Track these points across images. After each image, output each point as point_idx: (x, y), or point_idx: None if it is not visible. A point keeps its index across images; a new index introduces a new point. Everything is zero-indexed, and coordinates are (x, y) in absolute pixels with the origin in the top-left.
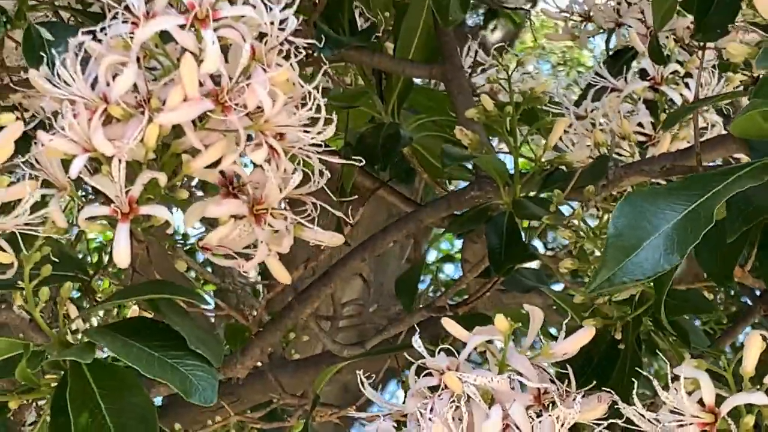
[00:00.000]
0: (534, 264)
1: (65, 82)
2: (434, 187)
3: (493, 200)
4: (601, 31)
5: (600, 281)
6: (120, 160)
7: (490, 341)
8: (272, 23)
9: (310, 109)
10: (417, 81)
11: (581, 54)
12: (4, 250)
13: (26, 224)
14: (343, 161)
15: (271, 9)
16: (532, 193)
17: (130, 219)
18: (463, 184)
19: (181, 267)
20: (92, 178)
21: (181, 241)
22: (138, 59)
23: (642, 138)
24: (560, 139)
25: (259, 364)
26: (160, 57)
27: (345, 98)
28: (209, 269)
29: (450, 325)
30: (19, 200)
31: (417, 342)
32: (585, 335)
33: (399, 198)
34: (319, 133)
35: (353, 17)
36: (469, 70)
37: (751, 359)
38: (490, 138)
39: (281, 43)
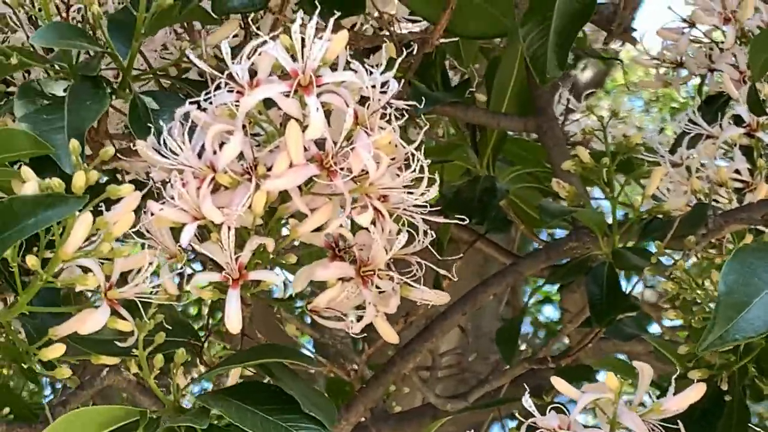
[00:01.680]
0: None
1: (173, 151)
2: (531, 238)
3: (591, 251)
4: (694, 76)
5: (713, 339)
6: (229, 228)
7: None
8: (374, 86)
9: (414, 170)
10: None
11: (673, 91)
12: (124, 319)
13: (140, 292)
14: (446, 221)
15: (371, 73)
16: (630, 243)
17: (240, 285)
18: (560, 232)
19: (291, 331)
20: (202, 246)
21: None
22: (243, 127)
23: (739, 185)
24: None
25: (363, 419)
26: (264, 123)
27: (439, 152)
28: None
29: (560, 384)
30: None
31: (528, 402)
32: (696, 392)
33: (496, 249)
34: (422, 194)
35: (445, 72)
36: (562, 118)
37: None
38: (587, 187)
39: (383, 107)
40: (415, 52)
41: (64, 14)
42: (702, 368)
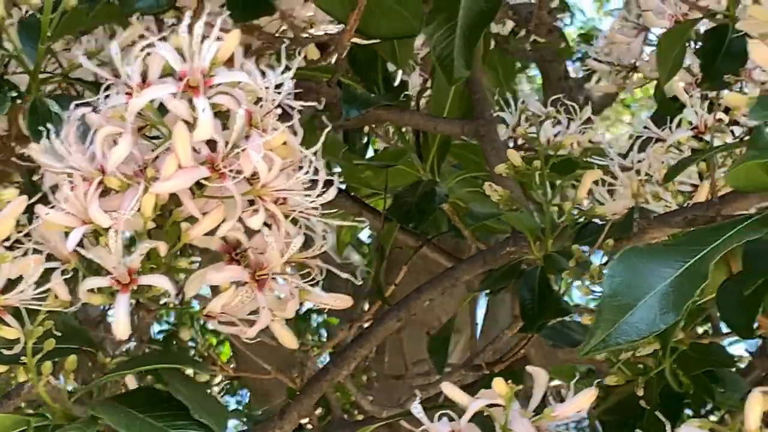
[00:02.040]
0: None
1: (63, 155)
2: (474, 243)
3: (527, 256)
4: (648, 81)
5: (595, 342)
6: (116, 231)
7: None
8: (267, 88)
9: (308, 172)
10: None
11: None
12: (9, 326)
13: (32, 299)
14: (344, 223)
15: (265, 75)
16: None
17: (130, 290)
18: None
19: (185, 336)
20: (91, 250)
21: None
22: (140, 129)
23: (689, 188)
24: (609, 192)
25: (310, 426)
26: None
27: (385, 157)
28: None
29: (449, 389)
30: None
31: (416, 408)
32: (586, 397)
33: (443, 255)
34: (318, 195)
35: (387, 75)
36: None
37: (753, 418)
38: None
39: (281, 107)
40: (330, 53)
41: None
42: (619, 375)
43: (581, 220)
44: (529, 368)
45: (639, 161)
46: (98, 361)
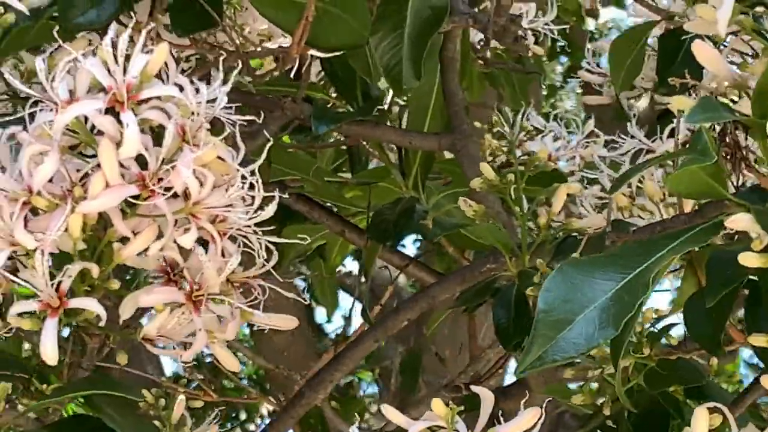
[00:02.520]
0: None
1: None
2: (460, 260)
3: (502, 273)
4: (640, 93)
5: (530, 360)
6: (43, 253)
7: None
8: (200, 102)
9: (242, 187)
10: None
11: None
12: None
13: None
14: (281, 240)
15: (198, 89)
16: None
17: (59, 313)
18: None
19: (122, 360)
20: (20, 273)
21: None
22: (74, 147)
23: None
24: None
25: None
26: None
27: (368, 175)
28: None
29: (389, 411)
30: None
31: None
32: (529, 417)
33: (429, 273)
34: (256, 212)
35: (367, 90)
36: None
37: None
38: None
39: (216, 120)
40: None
41: None
42: (585, 393)
43: (560, 234)
44: (474, 388)
45: None
46: (33, 388)
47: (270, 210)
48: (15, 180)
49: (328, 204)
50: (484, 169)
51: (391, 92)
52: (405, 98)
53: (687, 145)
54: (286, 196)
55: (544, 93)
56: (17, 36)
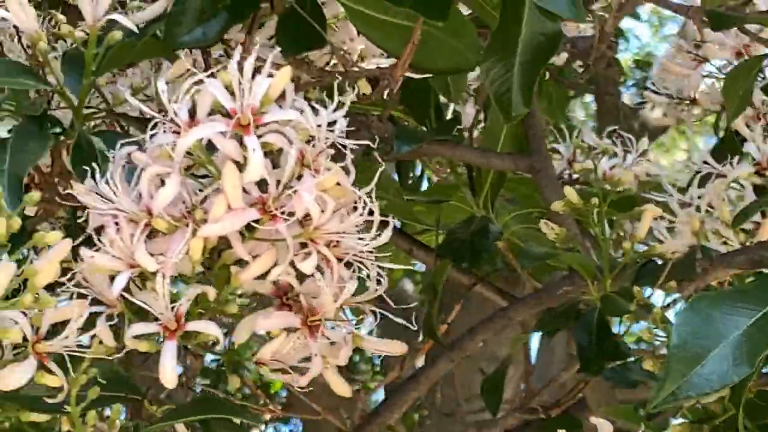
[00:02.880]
0: None
1: (108, 195)
2: (530, 282)
3: (584, 297)
4: (708, 114)
5: (664, 395)
6: (164, 276)
7: None
8: (320, 126)
9: (362, 214)
10: None
11: None
12: (52, 373)
13: (76, 345)
14: (398, 266)
15: (317, 112)
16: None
17: (177, 336)
18: None
19: (235, 383)
20: (138, 295)
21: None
22: (187, 168)
23: (751, 225)
24: (668, 229)
25: None
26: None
27: (437, 192)
28: None
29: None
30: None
31: None
32: None
33: (498, 294)
34: (373, 238)
35: (440, 109)
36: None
37: None
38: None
39: (332, 146)
40: (383, 87)
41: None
42: (683, 423)
43: (640, 259)
44: (593, 419)
45: (698, 197)
46: (144, 409)
47: (386, 235)
48: (133, 201)
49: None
50: (568, 192)
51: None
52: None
53: None
54: (396, 222)
55: None
56: (119, 52)
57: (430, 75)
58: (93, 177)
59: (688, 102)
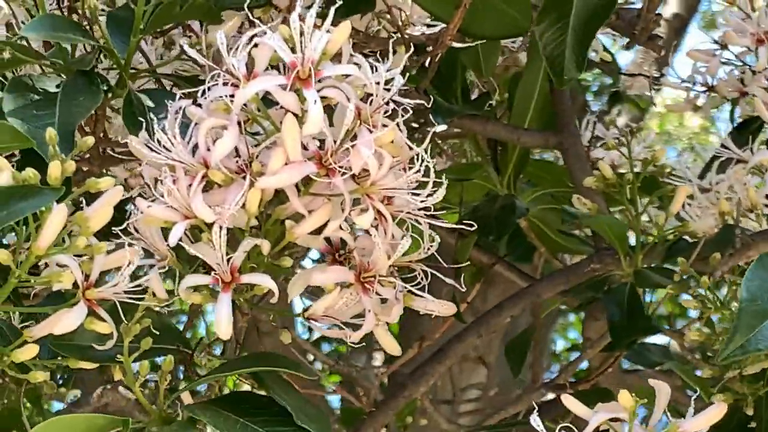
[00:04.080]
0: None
1: (165, 147)
2: (552, 262)
3: (613, 272)
4: (725, 101)
5: (733, 348)
6: (221, 227)
7: (614, 419)
8: (378, 83)
9: (418, 171)
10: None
11: (708, 140)
12: (103, 320)
13: (126, 293)
14: (454, 226)
15: (376, 69)
16: (654, 264)
17: (231, 288)
18: None
19: (286, 339)
20: (193, 246)
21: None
22: (240, 123)
23: None
24: (685, 212)
25: None
26: (264, 121)
27: (460, 171)
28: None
29: (570, 402)
30: (119, 268)
31: (535, 420)
32: (716, 412)
33: (517, 274)
34: (428, 196)
35: (466, 86)
36: (588, 144)
37: None
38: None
39: (387, 103)
40: (429, 53)
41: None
42: (727, 394)
43: (670, 237)
44: (652, 382)
45: (717, 183)
46: (194, 362)
47: (440, 193)
48: (189, 153)
49: None
50: (602, 167)
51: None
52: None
53: None
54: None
55: None
56: (165, 11)
57: (465, 46)
58: (148, 131)
59: (706, 88)
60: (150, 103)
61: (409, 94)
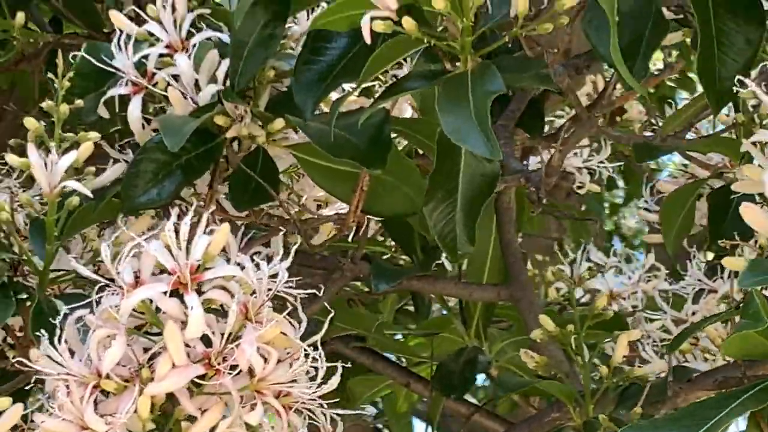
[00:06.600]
0: None
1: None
2: (526, 408)
3: (565, 424)
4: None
5: None
6: None
7: None
8: (261, 279)
9: (305, 362)
10: None
11: None
12: None
13: None
14: (345, 412)
15: (259, 266)
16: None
17: None
18: None
19: None
20: None
21: None
22: (140, 327)
23: None
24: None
25: None
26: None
27: (430, 326)
28: None
29: None
30: None
31: None
32: None
33: (496, 421)
34: (320, 385)
35: (425, 243)
36: None
37: None
38: None
39: (274, 298)
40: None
41: None
42: None
43: (623, 382)
44: None
45: (693, 313)
46: None
47: (333, 382)
48: (84, 364)
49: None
50: (543, 320)
51: None
52: None
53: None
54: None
55: (607, 212)
56: (81, 215)
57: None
58: (52, 341)
59: None
60: (65, 309)
61: (344, 265)
